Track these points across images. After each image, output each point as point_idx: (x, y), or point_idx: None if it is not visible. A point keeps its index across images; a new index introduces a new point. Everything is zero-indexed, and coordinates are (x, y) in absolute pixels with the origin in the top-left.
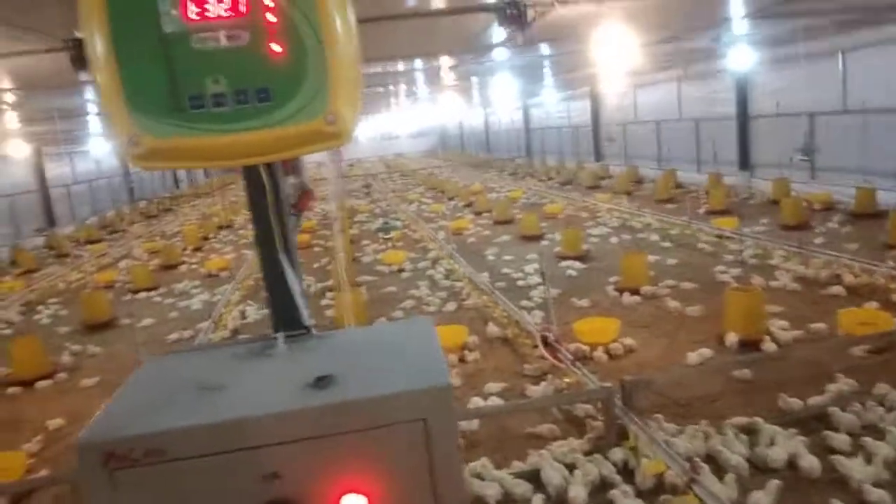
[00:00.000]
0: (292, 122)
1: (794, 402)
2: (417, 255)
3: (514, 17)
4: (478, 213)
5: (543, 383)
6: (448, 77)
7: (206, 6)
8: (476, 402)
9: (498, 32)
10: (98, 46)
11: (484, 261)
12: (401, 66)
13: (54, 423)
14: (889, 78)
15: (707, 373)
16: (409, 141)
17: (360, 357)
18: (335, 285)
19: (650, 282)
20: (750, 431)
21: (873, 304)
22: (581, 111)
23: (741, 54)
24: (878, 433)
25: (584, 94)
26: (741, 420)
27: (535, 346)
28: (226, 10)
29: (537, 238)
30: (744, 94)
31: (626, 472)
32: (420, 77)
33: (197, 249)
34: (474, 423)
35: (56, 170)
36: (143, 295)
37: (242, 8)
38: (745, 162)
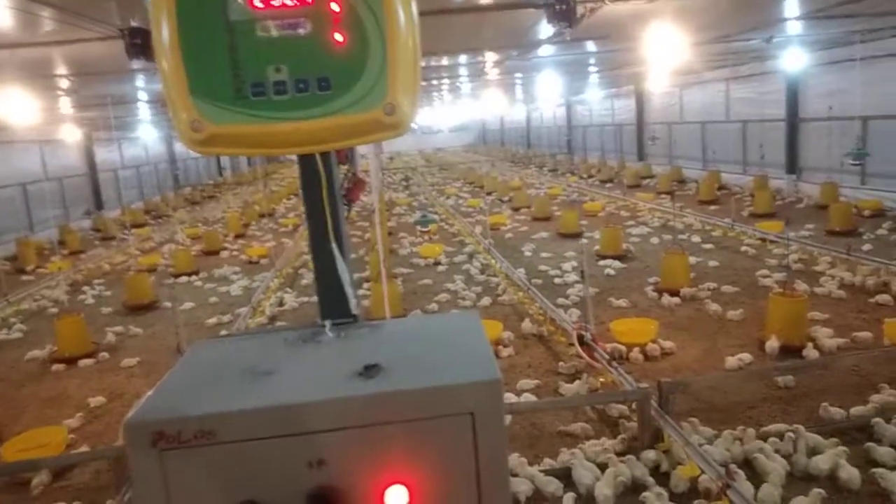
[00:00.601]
0: (351, 112)
1: (836, 412)
2: (454, 248)
3: (563, 13)
4: (516, 209)
5: (578, 382)
6: (492, 72)
7: None
8: (509, 397)
9: (546, 28)
10: (164, 33)
11: (521, 257)
12: (445, 61)
13: (95, 400)
14: None
15: (746, 378)
16: (450, 135)
17: (407, 347)
18: (372, 276)
19: (690, 284)
20: (789, 439)
21: None
22: (625, 109)
23: (794, 55)
24: None
25: (629, 92)
26: (780, 427)
27: (571, 345)
28: (291, 0)
29: (576, 236)
30: (794, 96)
31: (659, 475)
32: (464, 72)
33: (238, 236)
34: (507, 419)
35: (105, 155)
36: (184, 279)
37: None
38: (792, 165)
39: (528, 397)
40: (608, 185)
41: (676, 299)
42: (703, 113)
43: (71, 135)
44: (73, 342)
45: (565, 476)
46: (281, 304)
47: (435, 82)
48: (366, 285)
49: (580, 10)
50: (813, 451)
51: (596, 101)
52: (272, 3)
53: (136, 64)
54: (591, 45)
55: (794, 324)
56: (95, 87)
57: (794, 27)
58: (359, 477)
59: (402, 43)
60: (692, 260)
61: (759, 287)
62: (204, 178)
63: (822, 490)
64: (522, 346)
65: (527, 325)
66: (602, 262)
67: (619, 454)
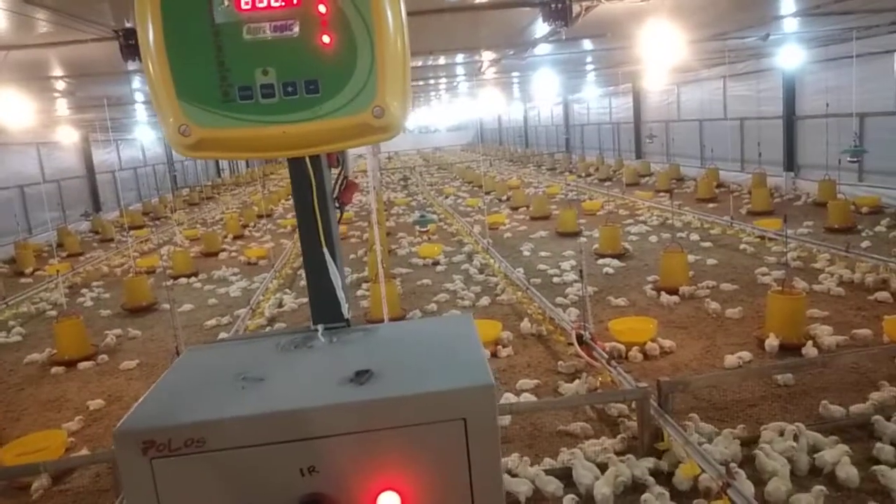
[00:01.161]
0: (340, 115)
1: (836, 410)
2: (453, 248)
3: (559, 11)
4: (514, 209)
5: (577, 381)
6: (489, 72)
7: None
8: (508, 397)
9: (541, 27)
10: (150, 36)
11: (519, 256)
12: (442, 60)
13: (95, 403)
14: None
15: (745, 376)
16: (448, 135)
17: (399, 352)
18: (370, 276)
19: (689, 282)
20: (788, 437)
21: None
22: (622, 107)
23: (790, 53)
24: None
25: (627, 90)
26: (780, 425)
27: (570, 344)
28: (278, 1)
29: (575, 235)
30: (791, 93)
31: (659, 474)
32: (461, 71)
33: (237, 237)
34: (506, 419)
35: (103, 156)
36: (183, 281)
37: None
38: (790, 163)
39: (528, 397)
40: (606, 183)
41: (675, 298)
42: (701, 111)
43: (68, 137)
44: (72, 345)
45: (565, 476)
46: (280, 305)
47: (432, 82)
48: (364, 286)
49: (576, 8)
50: (813, 449)
51: (593, 99)
52: (258, 4)
53: (132, 65)
54: (587, 44)
55: (793, 322)
56: (92, 88)
57: (791, 24)
58: (351, 483)
59: (390, 44)
60: (691, 258)
61: (758, 285)
62: (202, 179)
63: (823, 487)
64: (521, 345)
65: (525, 324)
66: (601, 261)
67: (618, 453)
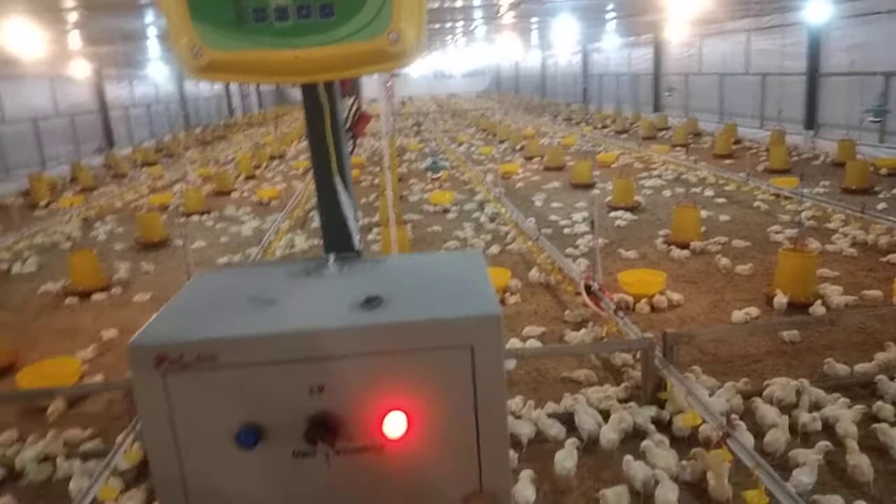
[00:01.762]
0: (354, 40)
1: (841, 368)
2: (464, 196)
3: None
4: (528, 158)
5: (583, 330)
6: (507, 16)
7: None
8: (514, 343)
9: None
10: None
11: (531, 206)
12: (459, 3)
13: (108, 333)
14: None
15: (752, 331)
16: (463, 81)
17: (409, 282)
18: (381, 221)
19: (701, 237)
20: (791, 392)
21: None
22: (642, 59)
23: (817, 6)
24: None
25: (648, 41)
26: (783, 381)
27: (578, 293)
28: None
29: (588, 186)
30: (816, 49)
31: (660, 423)
32: (478, 14)
33: (249, 178)
34: (511, 364)
35: (116, 92)
36: (195, 218)
37: None
38: (810, 121)
39: (534, 343)
40: (623, 136)
41: (686, 252)
42: (722, 65)
43: (81, 71)
44: (86, 276)
45: (567, 420)
46: (291, 245)
47: (448, 25)
48: (375, 230)
49: None
50: (815, 406)
51: (613, 49)
52: None
53: None
54: None
55: (803, 280)
56: (104, 21)
57: None
58: (359, 403)
59: None
60: (704, 214)
61: (770, 243)
62: (215, 118)
63: (828, 442)
64: (529, 294)
65: (534, 273)
66: (613, 214)
67: (621, 401)
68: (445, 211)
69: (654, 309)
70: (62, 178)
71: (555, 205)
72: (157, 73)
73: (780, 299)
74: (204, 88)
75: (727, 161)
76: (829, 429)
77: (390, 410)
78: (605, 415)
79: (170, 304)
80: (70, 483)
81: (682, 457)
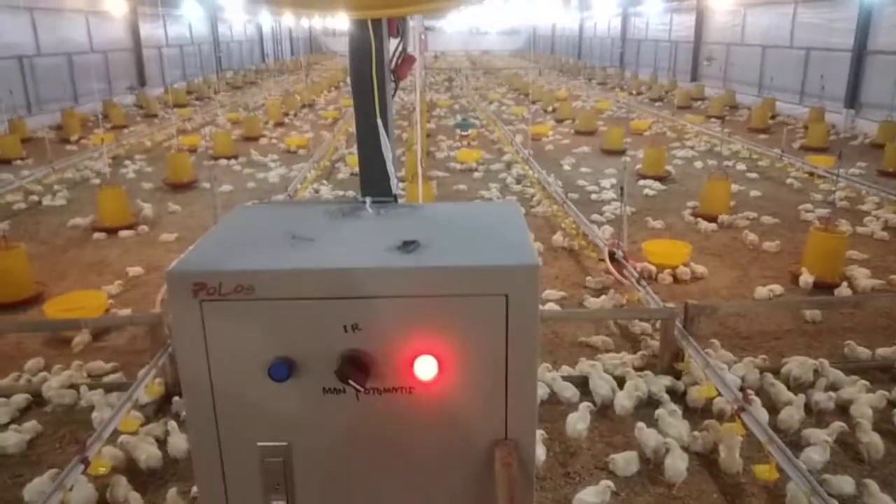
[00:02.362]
0: None
1: (862, 351)
2: (492, 156)
3: None
4: (560, 121)
5: (604, 297)
6: None
7: None
8: None
9: None
10: None
11: (559, 170)
12: None
13: (134, 270)
14: None
15: (774, 308)
16: (498, 38)
17: (447, 228)
18: (407, 176)
19: (730, 211)
20: (808, 371)
21: None
22: (683, 26)
23: None
24: None
25: (690, 7)
26: (801, 359)
27: (601, 260)
28: None
29: (619, 153)
30: (866, 25)
31: (674, 393)
32: None
33: (278, 125)
34: None
35: (150, 31)
36: (223, 162)
37: None
38: (852, 99)
39: (553, 307)
40: (657, 103)
41: (713, 225)
42: (766, 36)
43: (117, 7)
44: (113, 213)
45: (581, 384)
46: (316, 192)
47: None
48: (400, 185)
49: None
50: (832, 387)
51: (654, 14)
52: None
53: None
54: None
55: (830, 260)
56: None
57: None
58: (392, 344)
59: None
60: (734, 187)
61: (800, 221)
62: (246, 62)
63: (843, 424)
64: (552, 258)
65: (558, 238)
66: (642, 182)
67: (637, 369)
68: (472, 170)
69: (676, 280)
70: (94, 114)
71: (583, 170)
72: (192, 13)
73: (806, 278)
74: (237, 32)
75: (762, 136)
76: (844, 410)
77: (422, 354)
78: (620, 381)
79: (210, 234)
80: (93, 413)
81: (695, 428)
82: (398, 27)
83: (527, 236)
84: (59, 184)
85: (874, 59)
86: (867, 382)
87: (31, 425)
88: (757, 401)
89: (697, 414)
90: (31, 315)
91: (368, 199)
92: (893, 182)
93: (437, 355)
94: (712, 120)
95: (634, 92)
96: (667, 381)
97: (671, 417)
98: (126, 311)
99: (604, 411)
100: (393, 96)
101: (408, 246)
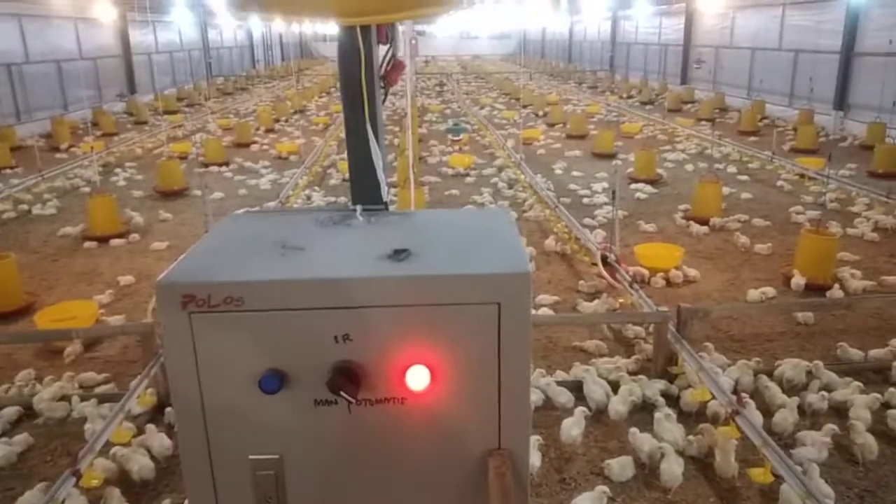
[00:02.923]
0: None
1: (854, 353)
2: (484, 161)
3: None
4: (551, 125)
5: (597, 301)
6: None
7: None
8: None
9: None
10: None
11: (551, 174)
12: None
13: (125, 279)
14: None
15: (766, 311)
16: (488, 43)
17: (438, 236)
18: (399, 181)
19: (721, 214)
20: (801, 373)
21: None
22: (673, 29)
23: None
24: None
25: (679, 10)
26: (793, 361)
27: (594, 264)
28: None
29: (610, 157)
30: (853, 27)
31: (669, 397)
32: None
33: (269, 131)
34: None
35: (140, 37)
36: (214, 169)
37: None
38: (841, 101)
39: (546, 312)
40: (648, 107)
41: (705, 228)
42: (755, 39)
43: (106, 13)
44: (104, 222)
45: (576, 389)
46: (309, 200)
47: None
48: (392, 191)
49: None
50: (826, 389)
51: (643, 17)
52: None
53: None
54: None
55: (822, 262)
56: None
57: None
58: (383, 354)
59: None
60: (725, 190)
61: (791, 223)
62: (237, 68)
63: (835, 426)
64: (545, 262)
65: (550, 242)
66: (634, 186)
67: (631, 373)
68: (464, 175)
69: (669, 283)
70: (84, 122)
71: (575, 174)
72: (182, 19)
73: (798, 280)
74: (227, 38)
75: (752, 138)
76: (838, 412)
77: (414, 363)
78: (615, 386)
79: (199, 245)
80: (85, 424)
81: (689, 432)
82: (387, 33)
83: (519, 243)
84: (48, 192)
85: (862, 60)
86: (860, 384)
87: (23, 438)
88: (751, 404)
89: (692, 418)
90: (21, 326)
91: (359, 207)
92: (883, 183)
93: (430, 365)
94: (702, 123)
95: (625, 95)
96: (661, 385)
97: (667, 421)
98: (118, 321)
99: (598, 416)
100: (383, 102)
101: (398, 254)
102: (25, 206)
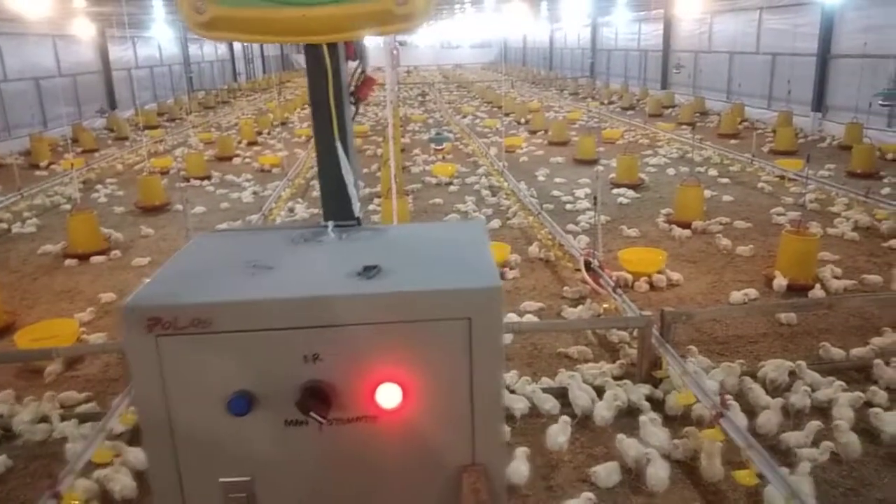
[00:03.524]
0: (361, 0)
1: (837, 352)
2: (467, 169)
3: None
4: (533, 132)
5: (581, 307)
6: None
7: None
8: (511, 317)
9: None
10: None
11: (534, 181)
12: None
13: (106, 296)
14: None
15: (749, 312)
16: (470, 52)
17: (409, 251)
18: (382, 191)
19: (703, 217)
20: (784, 373)
21: None
22: (652, 35)
23: None
24: None
25: (658, 16)
26: (776, 362)
27: (577, 270)
28: None
29: (592, 162)
30: (829, 30)
31: (654, 401)
32: None
33: (251, 144)
34: (508, 338)
35: (119, 53)
36: (196, 183)
37: None
38: (819, 103)
39: (531, 318)
40: (629, 112)
41: (687, 232)
42: (733, 43)
43: (85, 30)
44: (85, 239)
45: (561, 395)
46: (292, 212)
47: None
48: (376, 201)
49: None
50: (810, 389)
51: (623, 23)
52: None
53: None
54: None
55: (803, 263)
56: None
57: None
58: (353, 373)
59: None
60: (707, 193)
61: (772, 224)
62: (218, 82)
63: (819, 422)
64: (529, 269)
65: (534, 248)
66: (616, 191)
67: (616, 378)
68: (448, 183)
69: (653, 287)
70: (63, 138)
71: (558, 180)
72: (161, 34)
73: (780, 281)
74: (208, 52)
75: (733, 141)
76: (822, 411)
77: (385, 381)
78: (600, 391)
79: (166, 266)
80: (66, 444)
81: (675, 435)
82: (356, 50)
83: (489, 257)
84: (28, 210)
85: (838, 62)
86: (843, 383)
87: (1, 460)
88: (735, 406)
89: (677, 421)
90: (1, 345)
91: (331, 224)
92: (862, 183)
93: (401, 382)
94: (683, 127)
95: (606, 101)
96: (646, 389)
97: (652, 426)
98: (99, 339)
99: (584, 422)
100: (353, 118)
101: (368, 271)
102: (5, 225)
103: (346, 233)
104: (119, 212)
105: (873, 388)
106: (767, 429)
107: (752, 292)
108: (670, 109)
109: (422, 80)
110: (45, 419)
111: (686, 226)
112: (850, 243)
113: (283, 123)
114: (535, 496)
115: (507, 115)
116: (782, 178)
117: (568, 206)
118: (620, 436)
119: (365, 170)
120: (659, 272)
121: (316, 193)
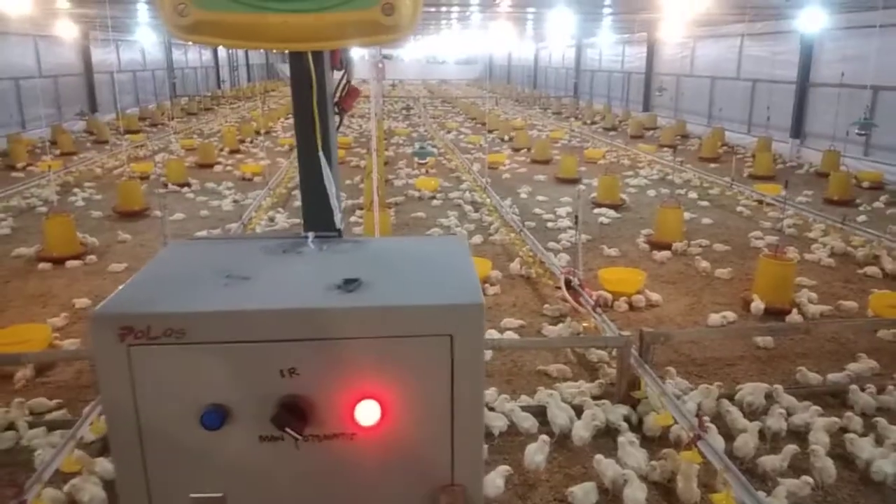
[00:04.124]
0: (347, 8)
1: (813, 377)
2: (450, 184)
3: None
4: (516, 150)
5: (561, 325)
6: (503, 3)
7: None
8: (492, 334)
9: None
10: None
11: (516, 198)
12: None
13: (81, 301)
14: None
15: (727, 335)
16: (455, 68)
17: (391, 265)
18: (365, 204)
19: (683, 239)
20: (760, 396)
21: None
22: (635, 57)
23: (812, 16)
24: (894, 417)
25: (641, 39)
26: (754, 385)
27: (558, 288)
28: None
29: (574, 182)
30: (808, 58)
31: (632, 422)
32: (475, 0)
33: (233, 152)
34: (488, 355)
35: (102, 56)
36: (176, 189)
37: None
38: (797, 129)
39: (511, 335)
40: (611, 133)
41: (667, 253)
42: (714, 68)
43: (67, 31)
44: (60, 242)
45: (540, 414)
46: (272, 222)
47: (444, 9)
48: (358, 213)
49: None
50: (786, 413)
51: (607, 45)
52: None
53: None
54: None
55: (780, 287)
56: None
57: None
58: (331, 388)
59: None
60: (687, 215)
61: (751, 248)
62: (202, 89)
63: (796, 446)
64: (509, 285)
65: (515, 265)
66: (597, 210)
67: (594, 398)
68: (431, 197)
69: (632, 307)
70: (42, 140)
71: (540, 198)
72: (145, 39)
73: (758, 305)
74: (192, 58)
75: (713, 164)
76: (798, 435)
77: (363, 398)
78: (578, 410)
79: (140, 273)
80: (35, 452)
81: (653, 456)
82: (341, 60)
83: (472, 273)
84: (3, 212)
85: (817, 91)
86: (819, 408)
87: None
88: (713, 428)
89: (655, 442)
90: None
91: (311, 234)
92: (838, 210)
93: (380, 399)
94: (664, 149)
95: (589, 121)
96: (624, 409)
97: (630, 447)
98: (72, 345)
99: (562, 441)
100: (337, 129)
101: (349, 284)
102: None
103: (327, 244)
104: (96, 216)
105: (849, 413)
106: (745, 452)
107: (731, 315)
108: (652, 131)
109: (407, 94)
110: (12, 426)
111: (666, 247)
112: (826, 269)
113: (266, 132)
114: None
115: (490, 131)
116: (761, 202)
117: (549, 224)
118: (598, 456)
119: (347, 181)
120: (638, 292)
121: (297, 203)
